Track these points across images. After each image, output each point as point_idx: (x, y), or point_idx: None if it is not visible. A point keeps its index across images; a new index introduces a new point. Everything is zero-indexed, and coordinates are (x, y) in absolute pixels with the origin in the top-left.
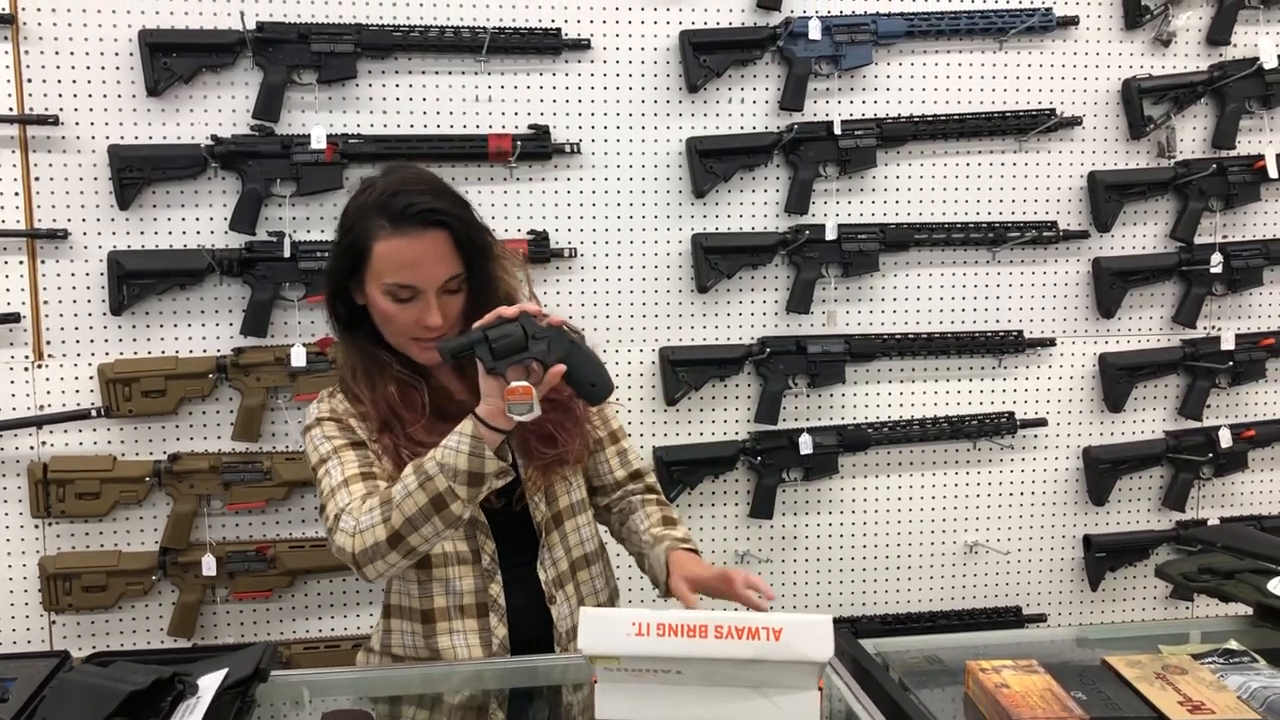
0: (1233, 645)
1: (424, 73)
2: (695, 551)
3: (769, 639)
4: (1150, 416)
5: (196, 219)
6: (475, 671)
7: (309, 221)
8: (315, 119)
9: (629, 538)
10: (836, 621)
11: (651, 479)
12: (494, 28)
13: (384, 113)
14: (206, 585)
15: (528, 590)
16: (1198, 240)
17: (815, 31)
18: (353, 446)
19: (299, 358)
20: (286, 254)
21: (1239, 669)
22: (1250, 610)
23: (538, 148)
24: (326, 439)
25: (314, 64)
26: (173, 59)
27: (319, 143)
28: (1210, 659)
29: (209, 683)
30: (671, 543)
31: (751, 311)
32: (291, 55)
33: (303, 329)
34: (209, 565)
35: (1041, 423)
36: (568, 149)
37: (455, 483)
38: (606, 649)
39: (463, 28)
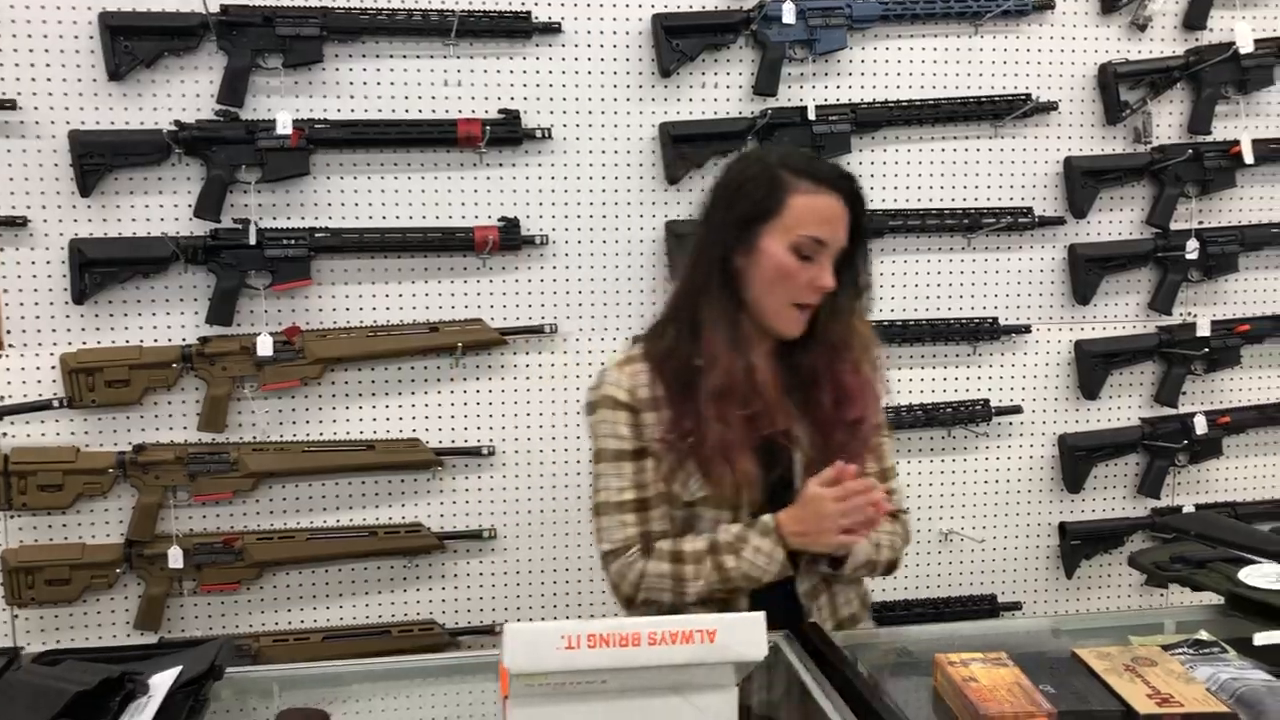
0: (1203, 636)
1: (392, 56)
2: None
3: (703, 641)
4: (1126, 404)
5: (161, 206)
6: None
7: (275, 208)
8: (281, 104)
9: None
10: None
11: (901, 503)
12: (463, 10)
13: (351, 97)
14: (173, 578)
15: (779, 599)
16: (1174, 226)
17: (789, 15)
18: (633, 456)
19: (265, 347)
20: (252, 241)
21: (1209, 660)
22: (1222, 600)
23: (508, 133)
24: (615, 436)
25: (279, 48)
26: (134, 42)
27: (285, 128)
28: (1180, 650)
29: (161, 681)
30: None
31: None
32: (256, 39)
33: (269, 318)
34: (175, 557)
35: (1017, 410)
36: (539, 134)
37: (756, 586)
38: (536, 666)
39: (431, 10)
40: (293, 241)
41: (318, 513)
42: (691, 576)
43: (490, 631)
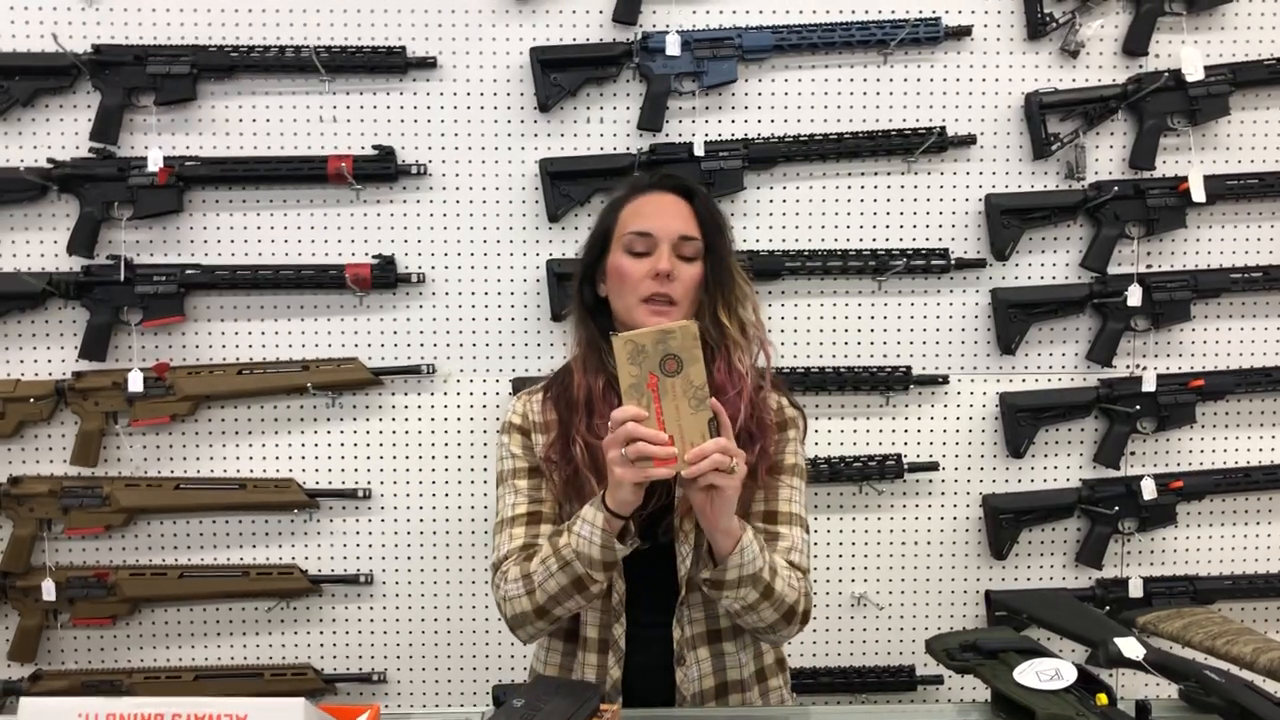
0: None
1: (267, 93)
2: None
3: None
4: (1065, 463)
5: (41, 242)
6: None
7: (152, 245)
8: (158, 141)
9: None
10: None
11: (796, 558)
12: (336, 47)
13: (226, 134)
14: (47, 610)
15: (661, 652)
16: (1114, 270)
17: (674, 47)
18: (528, 474)
19: (135, 383)
20: (121, 278)
21: None
22: None
23: (380, 169)
24: (510, 455)
25: (151, 85)
26: (13, 83)
27: (155, 165)
28: None
29: None
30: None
31: None
32: (128, 77)
33: (145, 353)
34: (49, 590)
35: (933, 466)
36: (414, 170)
37: (592, 570)
38: None
39: (303, 47)
40: (164, 278)
41: (193, 550)
42: (538, 568)
43: (369, 680)
